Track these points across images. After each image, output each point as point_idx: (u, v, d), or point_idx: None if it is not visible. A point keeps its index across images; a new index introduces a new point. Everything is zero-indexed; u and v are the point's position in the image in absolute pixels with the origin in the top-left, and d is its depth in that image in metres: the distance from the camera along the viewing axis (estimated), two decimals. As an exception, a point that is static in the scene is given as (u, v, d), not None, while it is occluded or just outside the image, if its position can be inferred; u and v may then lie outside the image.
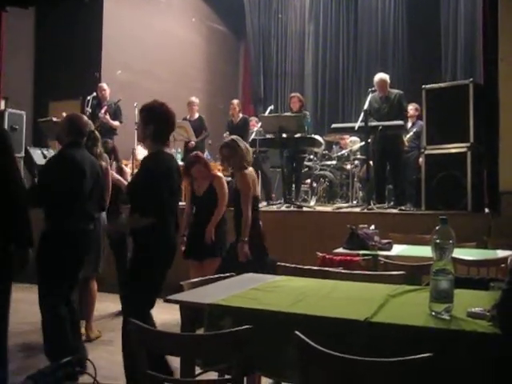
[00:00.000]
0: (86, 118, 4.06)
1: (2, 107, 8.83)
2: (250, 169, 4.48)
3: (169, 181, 3.27)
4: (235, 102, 8.81)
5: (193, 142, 8.23)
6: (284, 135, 7.13)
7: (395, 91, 7.11)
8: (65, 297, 3.70)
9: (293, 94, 8.19)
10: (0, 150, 2.87)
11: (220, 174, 5.36)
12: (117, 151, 5.59)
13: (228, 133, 8.65)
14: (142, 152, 8.45)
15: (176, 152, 8.32)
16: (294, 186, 7.94)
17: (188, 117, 8.64)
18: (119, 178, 5.31)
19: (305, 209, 6.77)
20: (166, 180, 3.24)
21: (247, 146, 4.64)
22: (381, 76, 7.08)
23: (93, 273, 4.68)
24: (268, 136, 7.60)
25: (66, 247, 3.58)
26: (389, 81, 7.07)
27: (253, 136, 7.83)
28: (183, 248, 4.98)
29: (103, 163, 4.48)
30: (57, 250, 3.56)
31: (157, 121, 3.29)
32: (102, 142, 4.68)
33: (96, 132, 4.44)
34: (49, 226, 3.63)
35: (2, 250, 2.88)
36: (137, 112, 8.84)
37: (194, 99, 8.77)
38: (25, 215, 2.96)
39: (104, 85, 8.71)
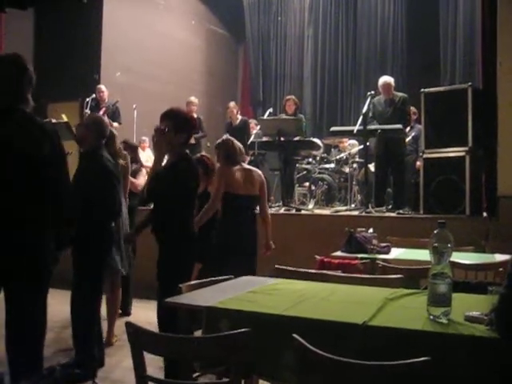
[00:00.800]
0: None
1: (1, 108, 8.81)
2: (238, 167, 4.46)
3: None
4: (232, 104, 8.80)
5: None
6: (283, 138, 7.13)
7: (400, 94, 7.10)
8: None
9: (288, 97, 8.16)
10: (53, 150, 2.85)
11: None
12: (137, 151, 5.62)
13: (228, 135, 8.64)
14: (141, 153, 8.45)
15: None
16: (301, 189, 7.97)
17: None
18: (132, 180, 5.31)
19: (303, 212, 6.77)
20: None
21: (240, 146, 4.62)
22: (385, 79, 7.08)
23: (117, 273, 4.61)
24: (266, 139, 7.61)
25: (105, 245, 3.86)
26: (393, 84, 7.07)
27: (252, 138, 7.83)
28: None
29: (121, 161, 4.52)
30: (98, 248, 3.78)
31: (190, 129, 3.48)
32: (124, 141, 4.71)
33: (113, 129, 4.47)
34: (90, 226, 3.68)
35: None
36: (136, 114, 8.92)
37: (193, 99, 8.73)
38: (70, 215, 2.96)
39: (102, 86, 8.71)
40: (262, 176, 4.66)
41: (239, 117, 8.74)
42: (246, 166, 4.60)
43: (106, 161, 3.85)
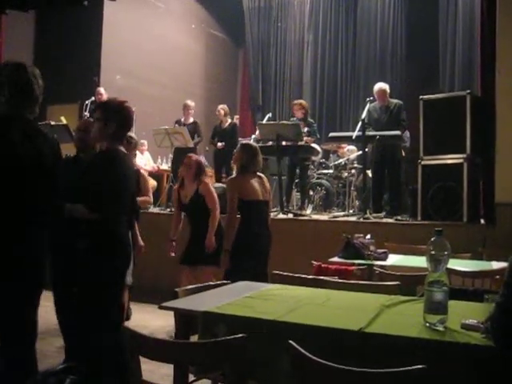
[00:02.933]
0: None
1: (0, 110, 8.82)
2: (252, 174, 4.51)
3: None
4: (221, 106, 8.78)
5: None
6: (282, 143, 7.15)
7: (395, 101, 7.13)
8: None
9: (295, 101, 8.15)
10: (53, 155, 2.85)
11: (207, 180, 5.25)
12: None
13: (216, 139, 8.64)
14: (140, 156, 8.46)
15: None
16: (299, 194, 7.99)
17: (182, 120, 8.60)
18: None
19: (301, 217, 6.77)
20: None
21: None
22: (380, 86, 7.10)
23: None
24: (263, 143, 7.61)
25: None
26: (388, 90, 7.10)
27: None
28: (172, 254, 5.02)
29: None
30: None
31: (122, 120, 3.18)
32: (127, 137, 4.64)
33: None
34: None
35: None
36: (135, 117, 8.92)
37: (190, 103, 8.66)
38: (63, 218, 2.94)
39: (101, 89, 8.71)
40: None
41: (228, 120, 8.75)
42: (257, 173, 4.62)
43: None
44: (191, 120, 8.60)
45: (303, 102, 8.05)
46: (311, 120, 8.12)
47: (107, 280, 3.02)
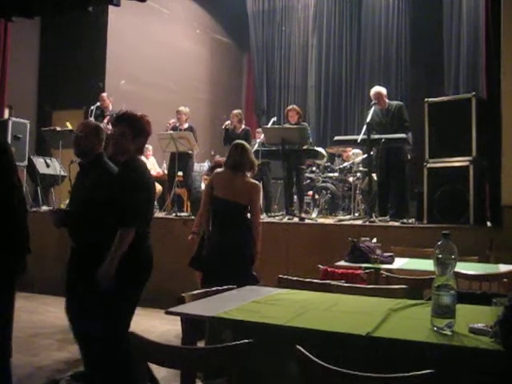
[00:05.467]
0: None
1: (6, 116, 8.87)
2: (221, 169, 4.48)
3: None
4: (235, 112, 8.73)
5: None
6: (287, 147, 7.14)
7: (395, 103, 7.11)
8: None
9: (289, 107, 8.10)
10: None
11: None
12: None
13: (229, 144, 8.57)
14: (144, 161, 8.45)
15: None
16: (295, 197, 7.92)
17: (177, 125, 8.49)
18: None
19: (307, 221, 6.76)
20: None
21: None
22: (375, 89, 7.09)
23: None
24: (270, 147, 7.61)
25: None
26: (385, 92, 7.06)
27: (255, 147, 7.84)
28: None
29: None
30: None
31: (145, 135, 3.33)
32: None
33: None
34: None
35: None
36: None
37: (183, 108, 8.55)
38: (24, 225, 2.96)
39: (104, 95, 8.72)
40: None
41: (242, 126, 8.72)
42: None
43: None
44: (186, 125, 8.50)
45: (296, 107, 8.05)
46: (305, 123, 8.12)
47: (129, 293, 3.11)
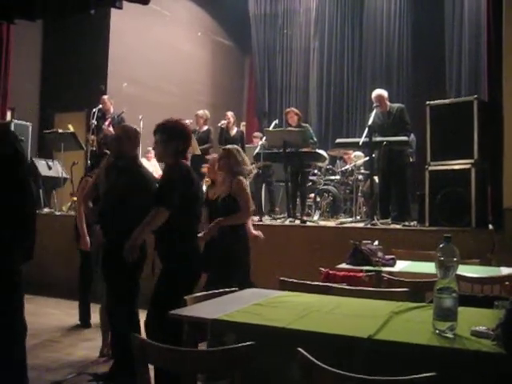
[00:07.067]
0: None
1: (9, 118, 8.89)
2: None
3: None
4: (230, 113, 8.87)
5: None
6: (288, 149, 7.15)
7: (396, 105, 7.12)
8: None
9: (287, 110, 8.16)
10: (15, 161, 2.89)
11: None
12: None
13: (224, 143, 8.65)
14: (146, 164, 8.47)
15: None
16: (298, 200, 7.92)
17: (198, 128, 8.73)
18: None
19: (308, 223, 6.76)
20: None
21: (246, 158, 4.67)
22: (377, 92, 7.10)
23: None
24: (271, 150, 7.62)
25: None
26: (386, 95, 7.07)
27: (257, 150, 7.84)
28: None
29: None
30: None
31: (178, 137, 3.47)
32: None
33: None
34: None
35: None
36: (142, 125, 8.99)
37: (199, 112, 8.85)
38: (32, 227, 2.96)
39: (106, 97, 8.76)
40: None
41: (235, 128, 8.82)
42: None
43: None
44: (205, 128, 8.77)
45: (294, 109, 8.08)
46: (306, 125, 8.15)
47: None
